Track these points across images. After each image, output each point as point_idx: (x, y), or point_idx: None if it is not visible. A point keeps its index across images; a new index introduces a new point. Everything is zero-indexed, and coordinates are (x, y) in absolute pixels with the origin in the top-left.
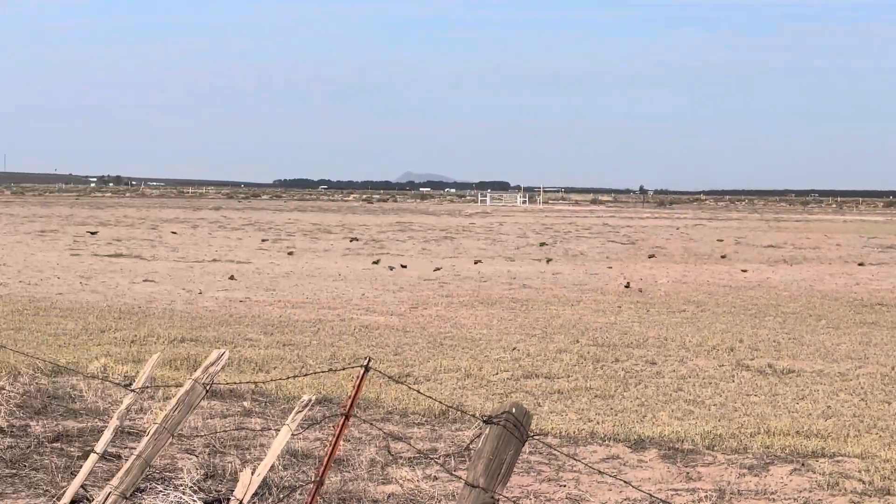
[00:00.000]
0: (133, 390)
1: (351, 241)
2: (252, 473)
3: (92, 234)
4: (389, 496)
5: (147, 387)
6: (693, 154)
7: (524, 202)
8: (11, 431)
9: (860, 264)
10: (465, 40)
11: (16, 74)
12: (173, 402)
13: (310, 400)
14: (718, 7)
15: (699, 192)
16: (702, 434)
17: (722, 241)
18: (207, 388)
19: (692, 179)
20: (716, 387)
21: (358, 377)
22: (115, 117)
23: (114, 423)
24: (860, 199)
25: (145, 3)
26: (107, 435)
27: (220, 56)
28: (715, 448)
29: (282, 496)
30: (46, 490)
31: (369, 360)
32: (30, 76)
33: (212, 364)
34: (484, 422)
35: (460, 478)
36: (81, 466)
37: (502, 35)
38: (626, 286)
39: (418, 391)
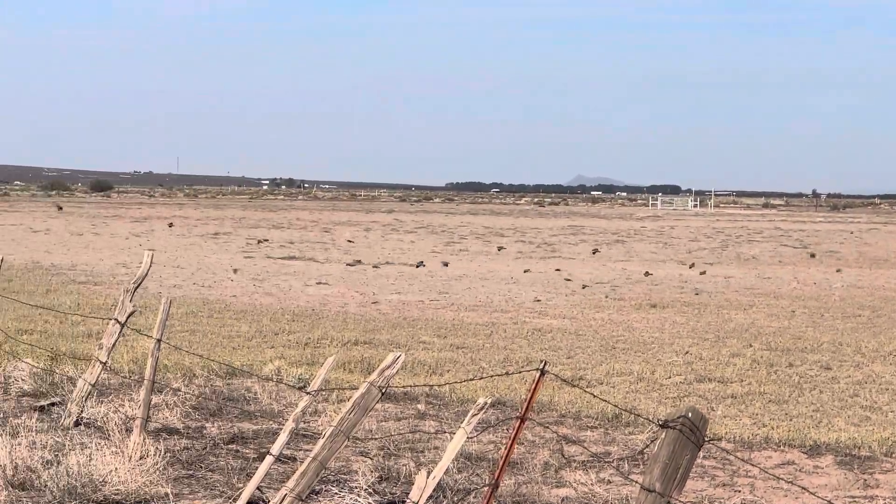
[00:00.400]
0: (308, 392)
1: (521, 244)
2: (427, 476)
3: (261, 242)
4: (563, 500)
5: (321, 389)
6: (868, 157)
7: (695, 206)
8: (187, 433)
9: None
10: (639, 44)
11: (190, 77)
12: (349, 404)
13: (485, 403)
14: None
15: (874, 196)
16: (879, 441)
17: None
18: (383, 390)
19: (867, 183)
20: (894, 393)
21: (534, 380)
22: (287, 120)
23: (289, 425)
24: None
25: (320, 5)
26: (282, 437)
27: (393, 59)
28: (893, 455)
29: (456, 499)
30: (223, 491)
31: (545, 364)
32: (204, 79)
33: (387, 367)
34: (660, 426)
35: (635, 482)
36: (257, 468)
37: (674, 38)
38: (798, 289)
39: (592, 394)
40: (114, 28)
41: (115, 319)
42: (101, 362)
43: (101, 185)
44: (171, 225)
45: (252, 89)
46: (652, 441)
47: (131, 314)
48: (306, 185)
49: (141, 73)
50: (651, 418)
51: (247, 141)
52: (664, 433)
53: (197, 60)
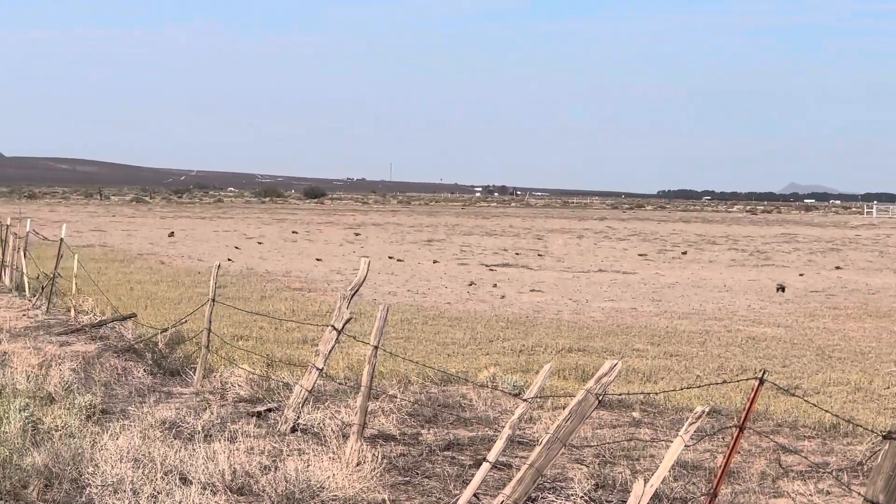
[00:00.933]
0: (525, 399)
1: (734, 251)
2: (644, 484)
3: (463, 250)
4: None
5: (538, 397)
6: None
7: None
8: (403, 439)
9: None
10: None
11: (403, 85)
12: (565, 412)
13: (703, 411)
14: None
15: None
16: None
17: None
18: (599, 398)
19: None
20: None
21: (752, 389)
22: (499, 128)
23: (506, 432)
24: None
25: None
26: (499, 444)
27: (607, 68)
28: None
29: None
30: (440, 498)
31: (764, 373)
32: (418, 87)
33: (604, 375)
34: (882, 437)
35: (857, 493)
36: (472, 475)
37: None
38: None
39: (811, 403)
40: (327, 35)
41: (332, 326)
42: (317, 368)
43: (314, 191)
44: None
45: (464, 97)
46: (874, 452)
47: (348, 321)
48: (518, 193)
49: (354, 80)
50: (871, 429)
51: (460, 148)
52: (887, 444)
53: (410, 69)
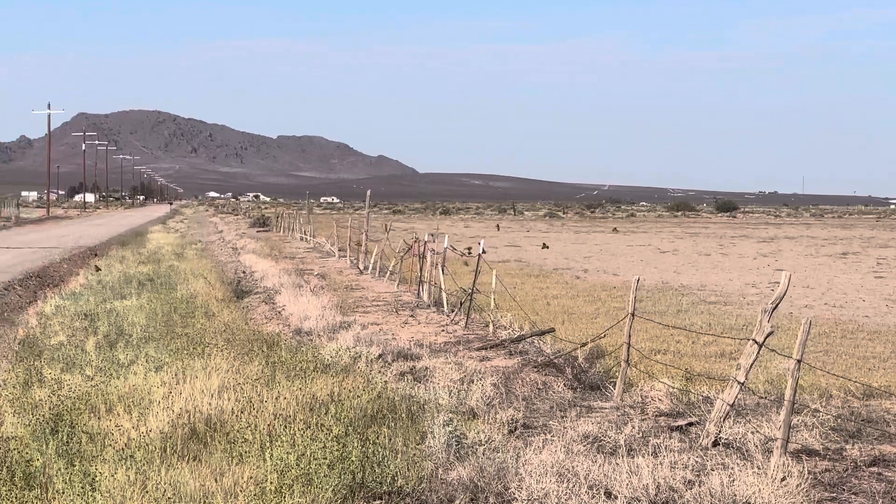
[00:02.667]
0: None
1: None
2: None
3: (879, 263)
4: None
5: None
6: None
7: None
8: (827, 455)
9: None
10: None
11: (816, 96)
12: None
13: None
14: None
15: None
16: None
17: None
18: None
19: None
20: None
21: None
22: None
23: None
24: None
25: None
26: None
27: None
28: None
29: None
30: None
31: None
32: (830, 97)
33: None
34: None
35: None
36: None
37: None
38: None
39: None
40: (735, 50)
41: (753, 340)
42: (738, 382)
43: (727, 205)
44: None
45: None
46: None
47: (769, 334)
48: None
49: (766, 94)
50: None
51: (874, 160)
52: None
53: (823, 79)
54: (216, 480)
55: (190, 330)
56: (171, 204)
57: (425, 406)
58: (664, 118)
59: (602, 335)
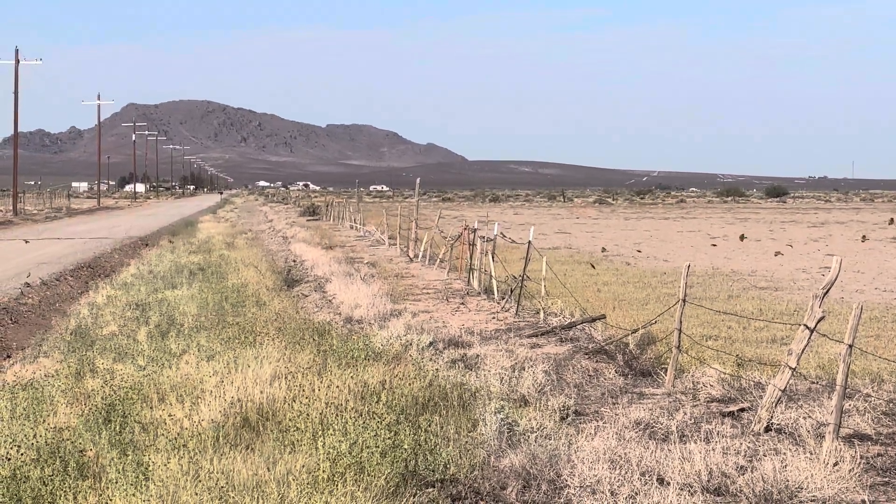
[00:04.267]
0: None
1: None
2: None
3: None
4: None
5: None
6: None
7: None
8: (879, 439)
9: None
10: None
11: (865, 81)
12: None
13: None
14: None
15: None
16: None
17: None
18: None
19: None
20: None
21: None
22: None
23: None
24: None
25: None
26: None
27: None
28: None
29: None
30: None
31: None
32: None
33: None
34: None
35: None
36: None
37: None
38: None
39: None
40: (786, 34)
41: (804, 325)
42: (790, 367)
43: (776, 190)
44: (864, 238)
45: None
46: None
47: (821, 319)
48: None
49: (817, 78)
50: None
51: None
52: None
53: (872, 67)
54: (268, 469)
55: (241, 319)
56: (221, 193)
57: (477, 394)
58: (714, 104)
59: (653, 321)
